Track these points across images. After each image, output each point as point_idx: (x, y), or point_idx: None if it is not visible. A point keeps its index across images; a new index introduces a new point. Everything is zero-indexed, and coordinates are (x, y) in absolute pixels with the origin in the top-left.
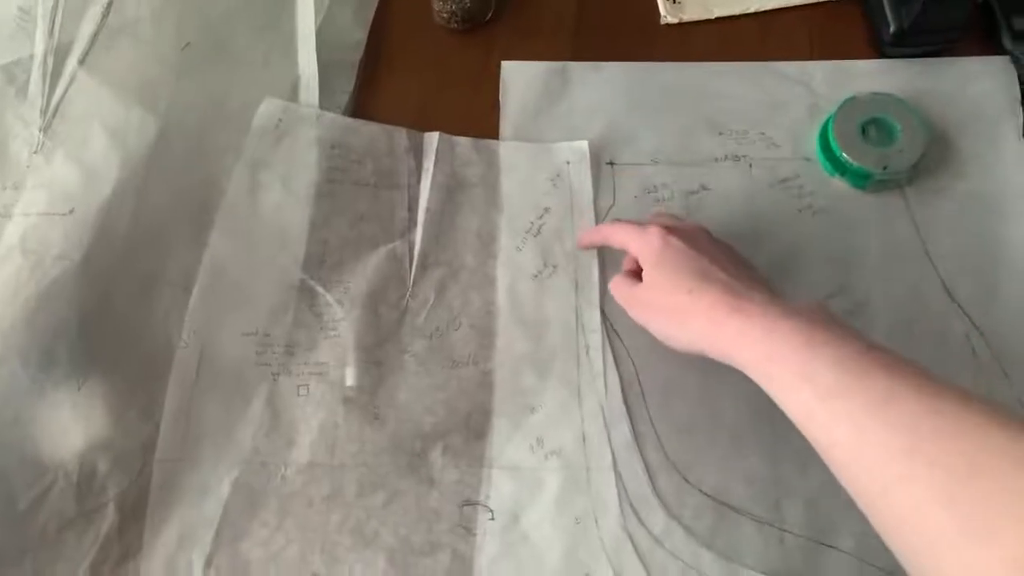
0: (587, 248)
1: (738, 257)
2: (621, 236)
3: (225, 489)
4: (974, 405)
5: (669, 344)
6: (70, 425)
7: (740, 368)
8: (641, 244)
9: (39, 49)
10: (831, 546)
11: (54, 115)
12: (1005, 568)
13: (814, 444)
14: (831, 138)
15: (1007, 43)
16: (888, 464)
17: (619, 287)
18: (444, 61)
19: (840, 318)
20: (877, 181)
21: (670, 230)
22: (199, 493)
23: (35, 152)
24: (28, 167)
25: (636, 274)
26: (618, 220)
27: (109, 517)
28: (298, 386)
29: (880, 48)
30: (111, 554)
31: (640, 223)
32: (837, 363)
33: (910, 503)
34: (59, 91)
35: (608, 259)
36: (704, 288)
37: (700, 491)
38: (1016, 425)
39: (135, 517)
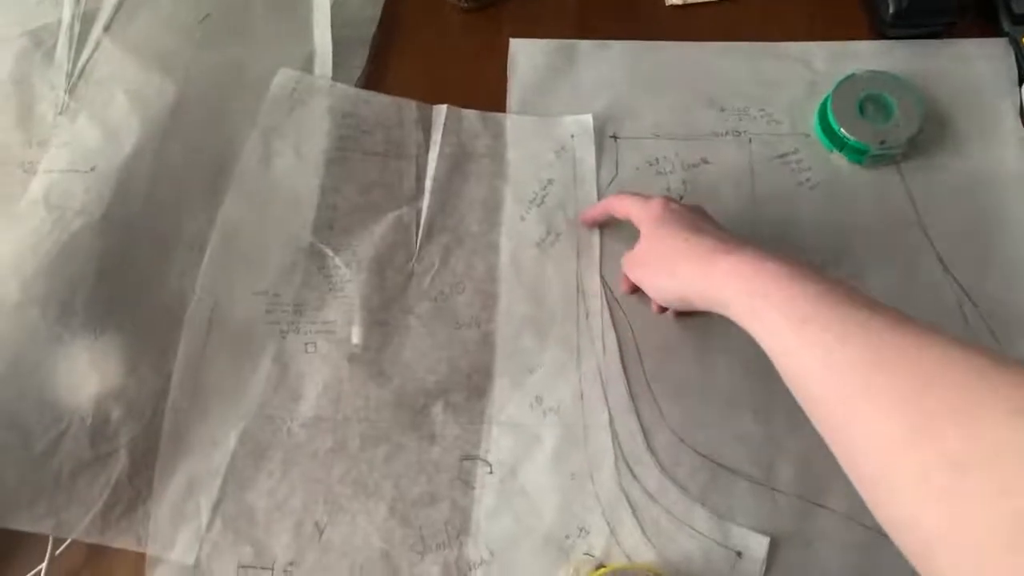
0: (591, 223)
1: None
2: (625, 205)
3: (232, 440)
4: (937, 331)
5: (662, 297)
6: (86, 373)
7: (724, 310)
8: (644, 210)
9: (66, 15)
10: (822, 505)
11: (79, 78)
12: (945, 465)
13: (785, 376)
14: (830, 114)
15: (1006, 26)
16: (850, 381)
17: (624, 257)
18: (454, 38)
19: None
20: (873, 156)
21: (669, 199)
22: (207, 443)
23: (60, 113)
24: (53, 126)
25: None
26: (622, 191)
27: (121, 462)
28: (306, 344)
29: (880, 29)
30: (122, 497)
31: (644, 195)
32: (818, 296)
33: (867, 414)
34: (84, 56)
35: (608, 229)
36: (698, 237)
37: (694, 450)
38: (972, 346)
39: (146, 464)
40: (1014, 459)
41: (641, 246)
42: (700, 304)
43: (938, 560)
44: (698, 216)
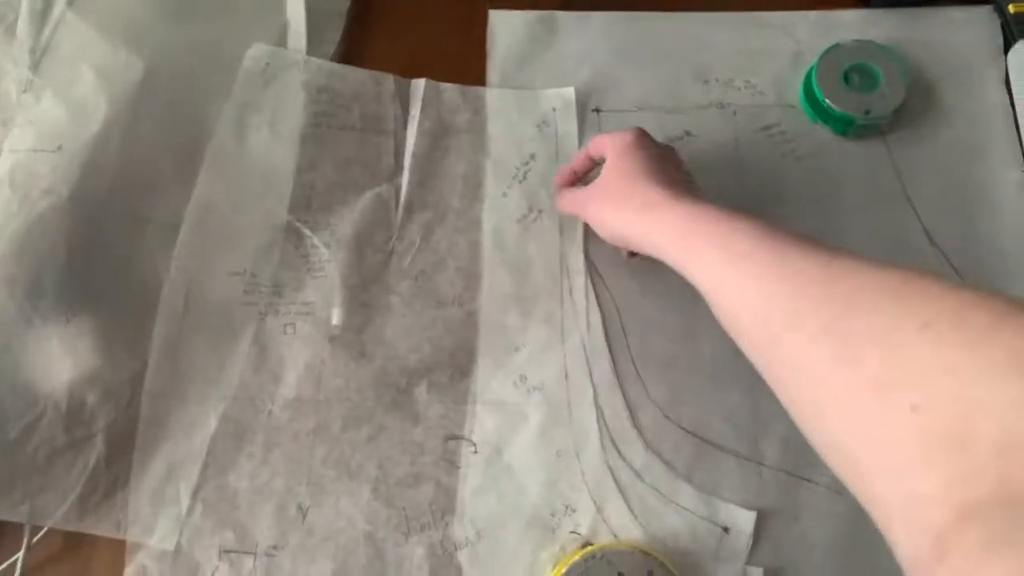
0: (571, 180)
1: (696, 183)
2: (600, 139)
3: (212, 423)
4: (862, 258)
5: (603, 232)
6: (59, 357)
7: (661, 253)
8: (616, 137)
9: None
10: (808, 479)
11: (43, 55)
12: (869, 388)
13: (718, 312)
14: (814, 85)
15: None
16: (780, 311)
17: (574, 193)
18: (432, 10)
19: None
20: (859, 127)
21: (643, 134)
22: (186, 427)
23: (24, 91)
24: (17, 105)
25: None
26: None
27: (98, 448)
28: (285, 325)
29: None
30: (100, 484)
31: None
32: (752, 234)
33: (795, 343)
34: (48, 32)
35: None
36: (651, 182)
37: (679, 426)
38: (890, 267)
39: (123, 449)
40: (921, 374)
41: (600, 178)
42: (638, 245)
43: (864, 480)
44: (664, 159)
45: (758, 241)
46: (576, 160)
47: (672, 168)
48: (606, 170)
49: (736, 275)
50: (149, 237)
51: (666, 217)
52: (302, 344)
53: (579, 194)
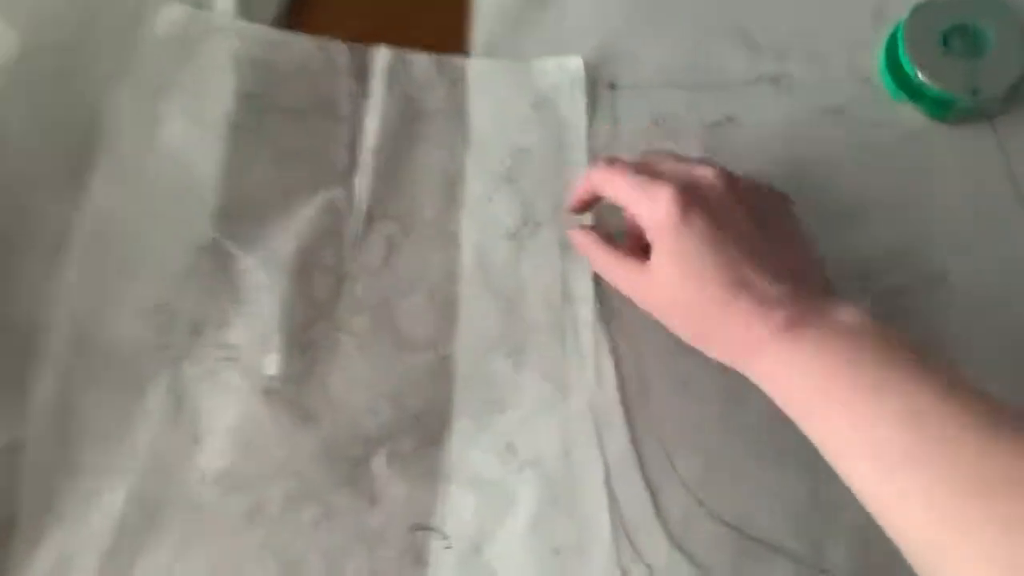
0: (580, 210)
1: (771, 206)
2: (620, 191)
3: (117, 502)
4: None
5: (687, 342)
6: None
7: (780, 406)
8: (649, 211)
9: None
10: None
11: None
12: None
13: (872, 512)
14: (901, 52)
15: None
16: (965, 535)
17: (615, 267)
18: None
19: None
20: (961, 108)
21: (687, 191)
22: (83, 507)
23: None
24: None
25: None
26: (614, 162)
27: None
28: (206, 374)
29: None
30: None
31: (644, 168)
32: (905, 418)
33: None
34: None
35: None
36: (735, 300)
37: (716, 516)
38: None
39: (2, 537)
40: None
41: (657, 280)
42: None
43: None
44: (728, 235)
45: (911, 430)
46: (579, 190)
47: (743, 240)
48: (661, 270)
49: (888, 487)
50: (26, 264)
51: (777, 362)
52: (229, 401)
53: (619, 268)
